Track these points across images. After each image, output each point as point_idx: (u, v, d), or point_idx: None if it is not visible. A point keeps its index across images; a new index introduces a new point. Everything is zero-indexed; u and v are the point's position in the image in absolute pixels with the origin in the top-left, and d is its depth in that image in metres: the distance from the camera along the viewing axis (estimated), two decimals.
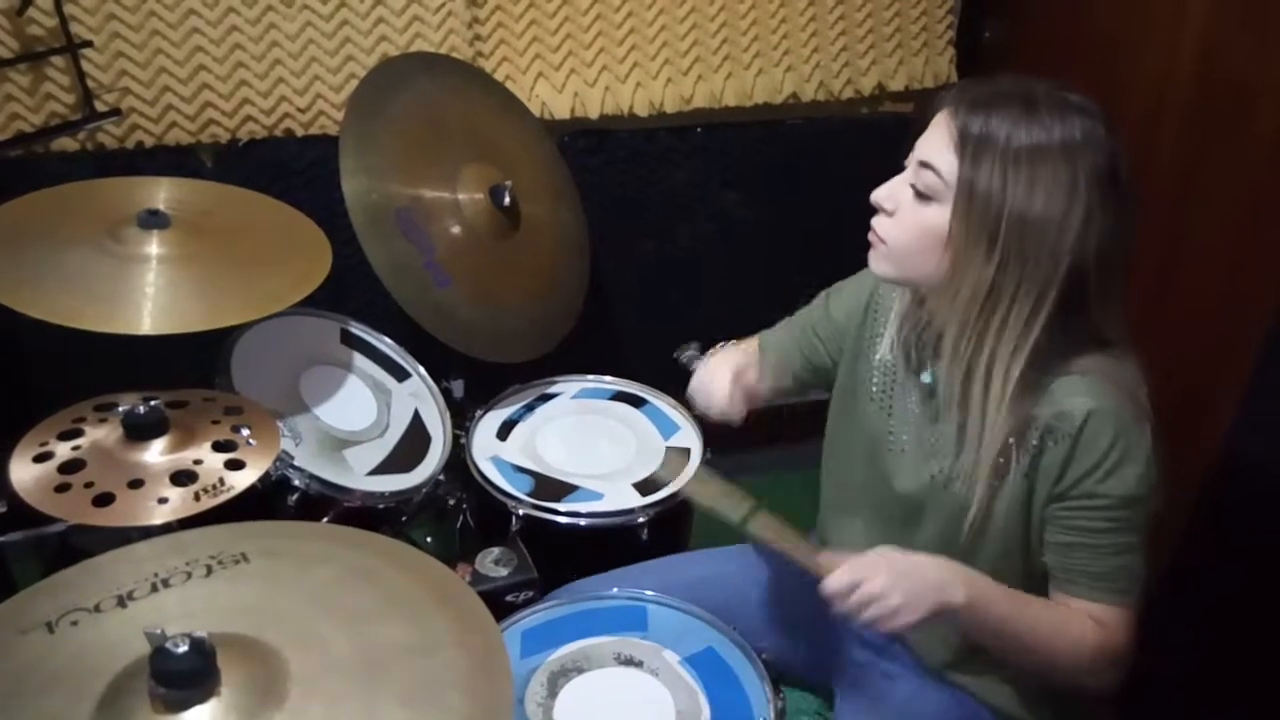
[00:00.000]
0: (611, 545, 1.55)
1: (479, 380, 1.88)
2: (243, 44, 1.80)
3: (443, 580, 0.93)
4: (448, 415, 1.74)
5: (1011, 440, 1.04)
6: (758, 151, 2.22)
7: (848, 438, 1.29)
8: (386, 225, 1.60)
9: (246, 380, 1.51)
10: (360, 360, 1.71)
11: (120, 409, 1.20)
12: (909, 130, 1.07)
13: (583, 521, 1.57)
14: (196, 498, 1.13)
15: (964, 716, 1.21)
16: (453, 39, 1.90)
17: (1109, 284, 1.01)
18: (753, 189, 2.26)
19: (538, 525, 1.57)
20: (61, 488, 1.12)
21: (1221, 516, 1.57)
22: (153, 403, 1.19)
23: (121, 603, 0.86)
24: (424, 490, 1.60)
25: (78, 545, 1.39)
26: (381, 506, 1.54)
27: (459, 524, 1.73)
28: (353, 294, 1.79)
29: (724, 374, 1.29)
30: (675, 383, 1.90)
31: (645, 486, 1.65)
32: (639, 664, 1.21)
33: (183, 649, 0.74)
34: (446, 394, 1.78)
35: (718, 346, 1.39)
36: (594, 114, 2.05)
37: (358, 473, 1.55)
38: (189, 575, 0.90)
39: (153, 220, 1.38)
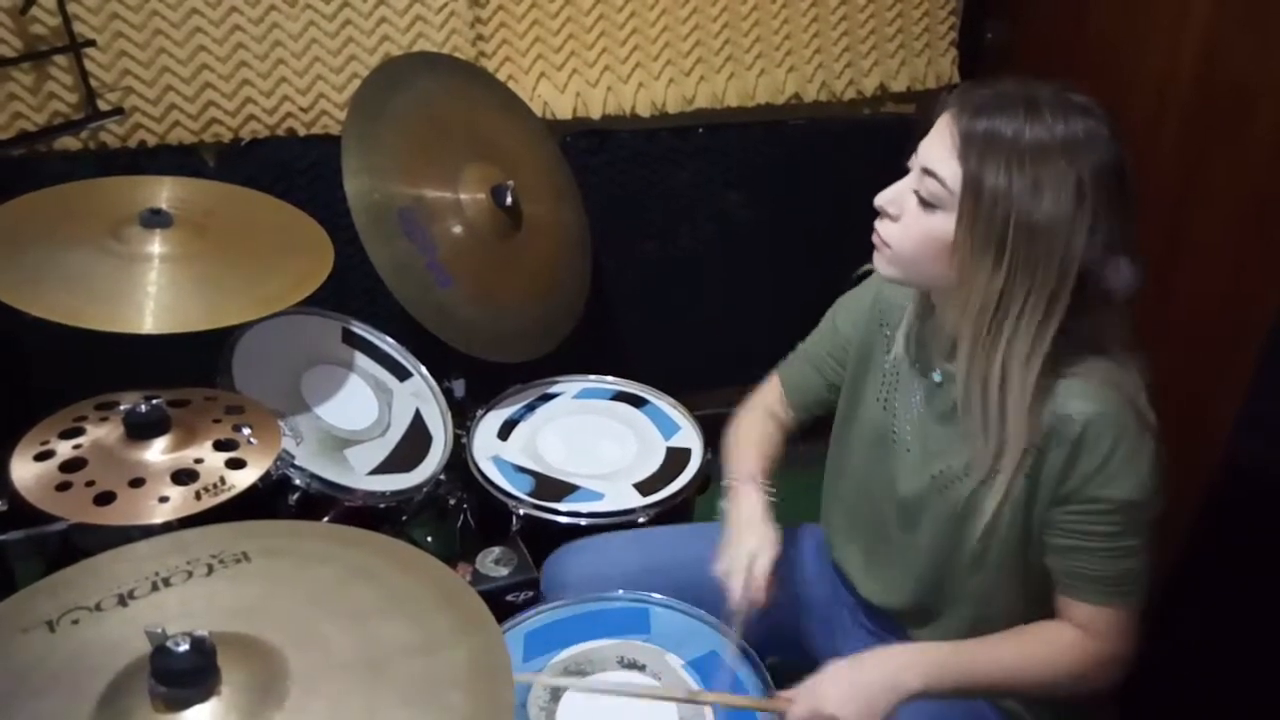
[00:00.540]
0: None
1: (480, 380, 1.88)
2: (245, 43, 1.80)
3: (443, 580, 0.93)
4: (449, 415, 1.74)
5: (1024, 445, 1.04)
6: (760, 152, 2.22)
7: (852, 437, 1.29)
8: (388, 225, 1.60)
9: (248, 379, 1.51)
10: (362, 360, 1.72)
11: (121, 408, 1.21)
12: (911, 131, 1.07)
13: (583, 521, 1.57)
14: (197, 497, 1.13)
15: (965, 711, 1.21)
16: (455, 39, 1.90)
17: (1112, 287, 1.01)
18: (755, 189, 2.26)
19: (538, 525, 1.57)
20: (63, 486, 1.12)
21: (1223, 517, 1.57)
22: (154, 402, 1.19)
23: (122, 601, 0.86)
24: (425, 490, 1.60)
25: (79, 544, 1.39)
26: (382, 506, 1.54)
27: (459, 523, 1.73)
28: (354, 293, 1.79)
29: (739, 577, 1.20)
30: (676, 383, 1.92)
31: (646, 486, 1.65)
32: (642, 667, 1.21)
33: (183, 648, 0.74)
34: (448, 393, 1.78)
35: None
36: (596, 114, 2.05)
37: (359, 472, 1.55)
38: (190, 574, 0.89)
39: (155, 219, 1.38)
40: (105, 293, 1.30)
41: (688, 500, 1.67)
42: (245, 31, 1.80)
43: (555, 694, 1.17)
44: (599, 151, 2.12)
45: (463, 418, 1.78)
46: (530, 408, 1.83)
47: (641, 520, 1.57)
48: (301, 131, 1.90)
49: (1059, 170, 0.95)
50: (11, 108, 1.71)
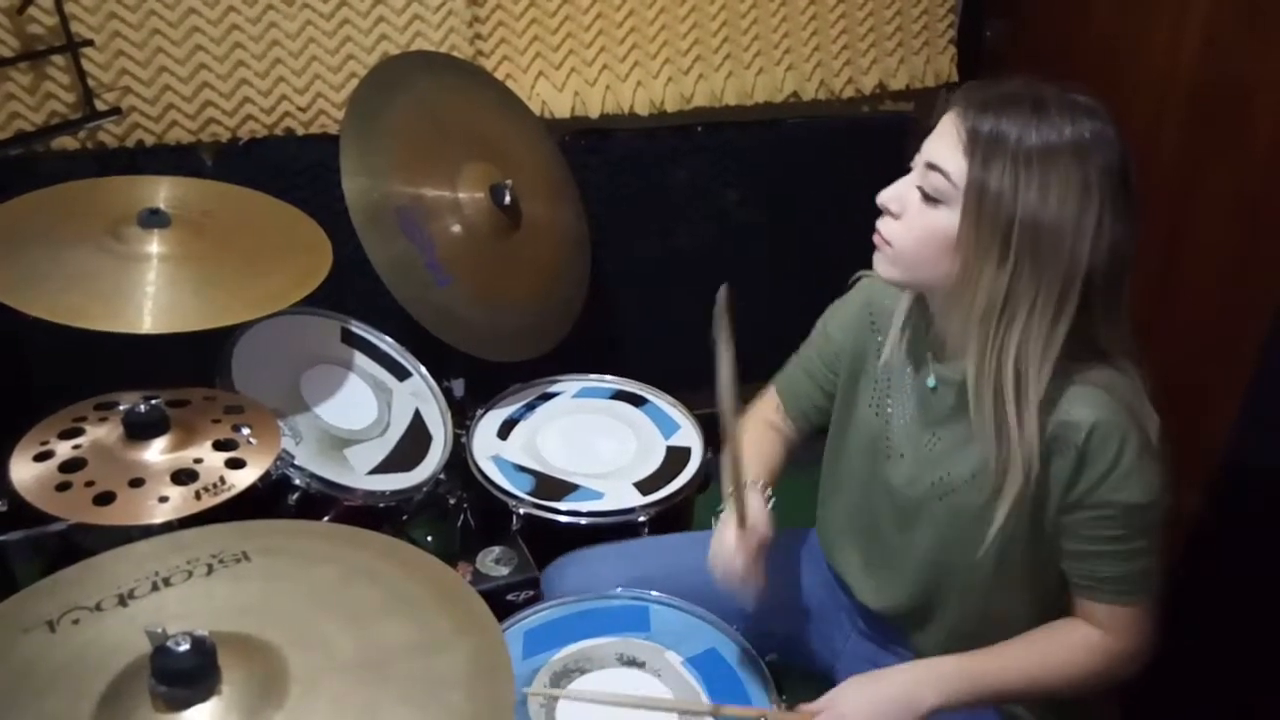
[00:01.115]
0: None
1: (480, 379, 1.88)
2: (243, 43, 1.80)
3: (443, 579, 0.93)
4: (448, 414, 1.74)
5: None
6: (758, 150, 2.22)
7: (847, 443, 1.29)
8: (387, 224, 1.60)
9: (247, 379, 1.51)
10: (361, 359, 1.71)
11: (121, 408, 1.21)
12: (910, 129, 1.07)
13: (583, 520, 1.57)
14: (197, 496, 1.13)
15: (967, 713, 1.21)
16: (453, 38, 1.90)
17: (1115, 290, 1.00)
18: (753, 188, 2.26)
19: (538, 524, 1.57)
20: (62, 486, 1.12)
21: (1225, 515, 1.57)
22: (153, 402, 1.19)
23: (122, 601, 0.86)
24: (425, 489, 1.59)
25: (79, 544, 1.39)
26: (382, 505, 1.54)
27: (460, 523, 1.73)
28: (353, 293, 1.78)
29: (737, 560, 1.18)
30: (676, 382, 1.91)
31: (646, 485, 1.65)
32: (641, 665, 1.21)
33: (184, 647, 0.74)
34: (447, 393, 1.78)
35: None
36: (594, 113, 2.05)
37: (358, 472, 1.55)
38: (190, 574, 0.89)
39: (153, 219, 1.38)
40: (104, 292, 1.29)
41: (688, 499, 1.67)
42: (243, 31, 1.79)
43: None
44: (597, 150, 2.12)
45: (462, 417, 1.78)
46: (530, 407, 1.83)
47: (641, 519, 1.57)
48: (300, 131, 1.90)
49: (1067, 171, 0.95)
50: (9, 108, 1.71)
